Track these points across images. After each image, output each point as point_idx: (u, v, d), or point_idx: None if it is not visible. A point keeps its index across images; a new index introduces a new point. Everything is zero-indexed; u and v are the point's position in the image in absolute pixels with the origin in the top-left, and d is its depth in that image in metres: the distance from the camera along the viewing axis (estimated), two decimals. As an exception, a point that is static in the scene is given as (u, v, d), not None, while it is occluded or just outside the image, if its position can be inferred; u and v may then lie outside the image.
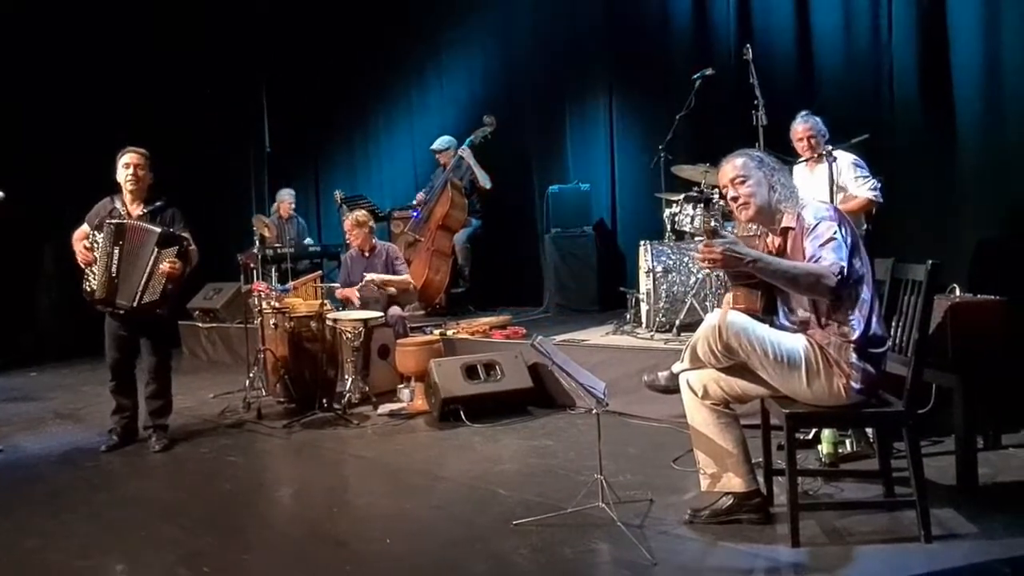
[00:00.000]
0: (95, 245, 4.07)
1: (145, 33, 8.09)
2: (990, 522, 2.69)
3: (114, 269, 4.05)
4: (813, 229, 2.57)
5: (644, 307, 5.25)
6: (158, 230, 4.06)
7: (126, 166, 4.13)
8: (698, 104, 5.32)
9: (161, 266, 4.04)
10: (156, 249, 4.05)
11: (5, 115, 7.31)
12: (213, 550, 2.85)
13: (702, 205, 4.95)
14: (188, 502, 3.41)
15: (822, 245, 2.53)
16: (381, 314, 5.24)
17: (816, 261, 2.52)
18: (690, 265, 5.13)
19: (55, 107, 7.62)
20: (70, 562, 2.82)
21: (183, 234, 4.16)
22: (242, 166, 8.91)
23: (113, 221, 4.07)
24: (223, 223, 7.56)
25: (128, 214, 4.14)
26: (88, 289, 4.12)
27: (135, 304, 4.05)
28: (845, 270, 2.48)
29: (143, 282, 4.04)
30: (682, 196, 5.09)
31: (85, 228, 4.18)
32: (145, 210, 4.17)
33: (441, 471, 3.66)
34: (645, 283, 5.23)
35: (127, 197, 4.18)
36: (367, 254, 5.68)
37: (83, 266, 4.13)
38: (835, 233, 2.53)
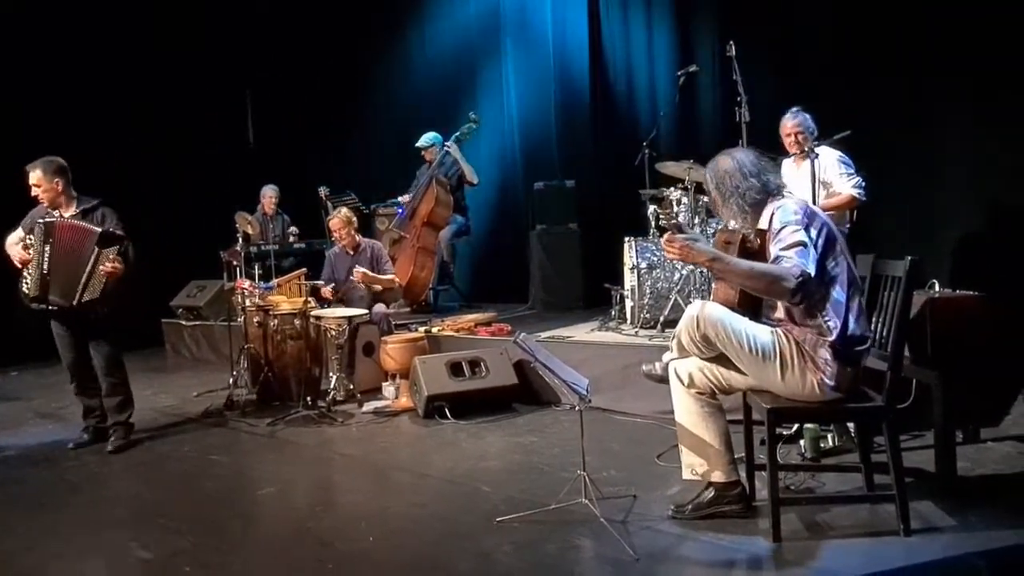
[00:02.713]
0: (30, 247, 4.08)
1: (129, 32, 8.01)
2: (968, 515, 2.72)
3: (45, 266, 4.03)
4: (777, 233, 2.58)
5: (629, 303, 5.26)
6: (98, 230, 4.06)
7: (32, 186, 4.13)
8: (683, 101, 5.34)
9: (103, 266, 4.02)
10: (97, 249, 4.04)
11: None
12: (194, 550, 2.83)
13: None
14: (169, 501, 3.39)
15: (784, 248, 2.53)
16: (365, 311, 5.22)
17: (777, 262, 2.53)
18: (674, 262, 5.14)
19: (42, 106, 7.53)
20: (48, 563, 2.79)
21: (120, 232, 4.13)
22: (225, 162, 8.84)
23: (43, 220, 4.08)
24: (206, 220, 7.49)
25: (60, 215, 4.15)
26: (24, 290, 4.10)
27: (75, 303, 4.03)
28: (807, 274, 2.48)
29: (84, 281, 4.02)
30: (651, 193, 5.14)
31: (19, 233, 4.18)
32: (76, 210, 4.17)
33: (425, 468, 3.65)
34: (630, 279, 5.24)
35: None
36: (352, 252, 5.66)
37: (20, 266, 4.11)
38: (800, 237, 2.54)
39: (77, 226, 4.09)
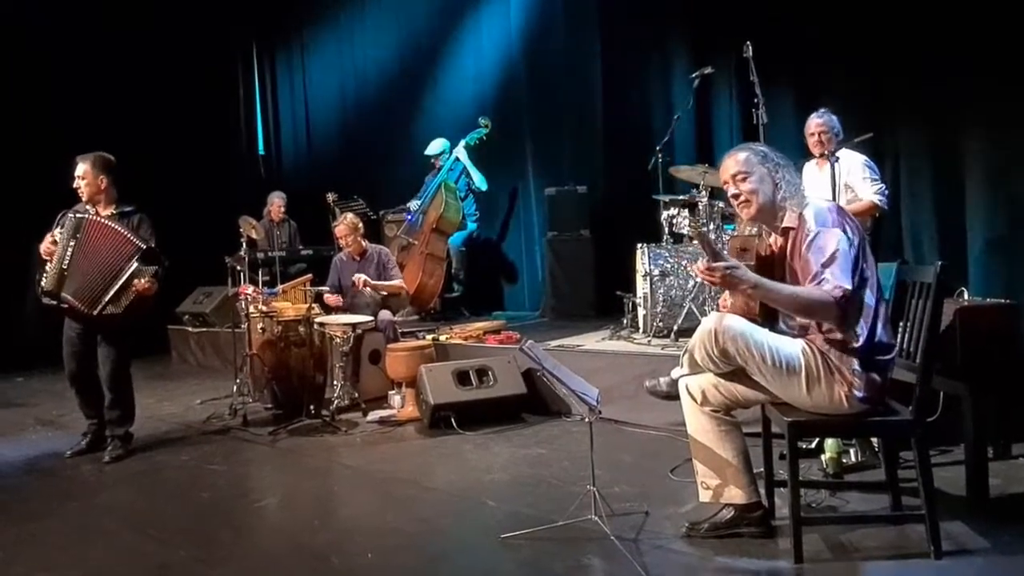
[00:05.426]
0: (58, 240, 3.99)
1: (135, 34, 8.00)
2: (1002, 536, 2.56)
3: (66, 262, 3.93)
4: (814, 239, 2.41)
5: (641, 311, 5.13)
6: (142, 245, 3.97)
7: (75, 177, 4.07)
8: (697, 103, 5.21)
9: (138, 281, 3.92)
10: (136, 264, 3.94)
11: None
12: (184, 563, 2.72)
13: (687, 210, 4.88)
14: (163, 512, 3.27)
15: (826, 263, 2.37)
16: (371, 318, 5.11)
17: (819, 282, 2.37)
18: (688, 269, 5.01)
19: (44, 109, 7.52)
20: (33, 574, 2.68)
21: (154, 246, 4.04)
22: (233, 168, 8.82)
23: (75, 215, 3.99)
24: (213, 226, 7.43)
25: (96, 213, 4.05)
26: (42, 283, 4.00)
27: (95, 312, 3.94)
28: (847, 292, 2.33)
29: (114, 291, 3.93)
30: (667, 199, 5.02)
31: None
32: (114, 211, 4.08)
33: (429, 481, 3.53)
34: (642, 287, 5.11)
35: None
36: (358, 258, 5.56)
37: (45, 258, 4.00)
38: (839, 242, 2.38)
39: (114, 231, 3.98)
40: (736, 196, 2.59)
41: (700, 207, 4.86)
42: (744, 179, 2.56)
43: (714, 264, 2.37)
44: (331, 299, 5.38)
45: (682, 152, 5.66)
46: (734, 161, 2.59)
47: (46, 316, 4.18)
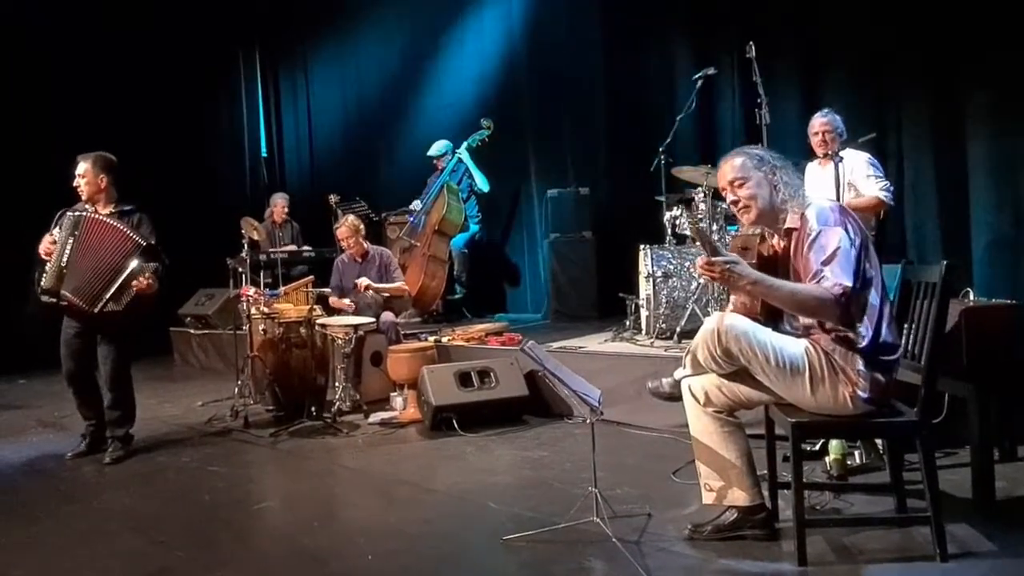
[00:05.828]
0: (57, 238, 3.98)
1: (142, 32, 8.01)
2: (1009, 539, 2.53)
3: (64, 259, 3.92)
4: (816, 238, 2.39)
5: (644, 313, 5.11)
6: (142, 241, 3.97)
7: (76, 176, 4.07)
8: (700, 104, 5.19)
9: (138, 280, 3.92)
10: (138, 261, 3.94)
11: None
12: (183, 566, 2.70)
13: (683, 206, 4.87)
14: (163, 514, 3.26)
15: (826, 261, 2.34)
16: (373, 320, 5.10)
17: (819, 280, 2.35)
18: (691, 270, 4.99)
19: (44, 109, 7.52)
20: (31, 578, 2.68)
21: (155, 243, 4.04)
22: (237, 170, 8.81)
23: (74, 213, 3.99)
24: (215, 228, 7.43)
25: (96, 212, 4.05)
26: (41, 282, 3.99)
27: (96, 310, 3.93)
28: (848, 289, 2.30)
29: (114, 288, 3.92)
30: (664, 199, 5.00)
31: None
32: (113, 210, 4.08)
33: (430, 483, 3.51)
34: (645, 288, 5.09)
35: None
36: (360, 260, 5.55)
37: (44, 257, 3.99)
38: (840, 241, 2.36)
39: (113, 228, 3.98)
40: (735, 202, 2.57)
41: (700, 205, 4.84)
42: (742, 185, 2.54)
43: (713, 259, 2.36)
44: (341, 303, 5.36)
45: (685, 153, 5.64)
46: (730, 167, 2.57)
47: (48, 317, 4.17)
